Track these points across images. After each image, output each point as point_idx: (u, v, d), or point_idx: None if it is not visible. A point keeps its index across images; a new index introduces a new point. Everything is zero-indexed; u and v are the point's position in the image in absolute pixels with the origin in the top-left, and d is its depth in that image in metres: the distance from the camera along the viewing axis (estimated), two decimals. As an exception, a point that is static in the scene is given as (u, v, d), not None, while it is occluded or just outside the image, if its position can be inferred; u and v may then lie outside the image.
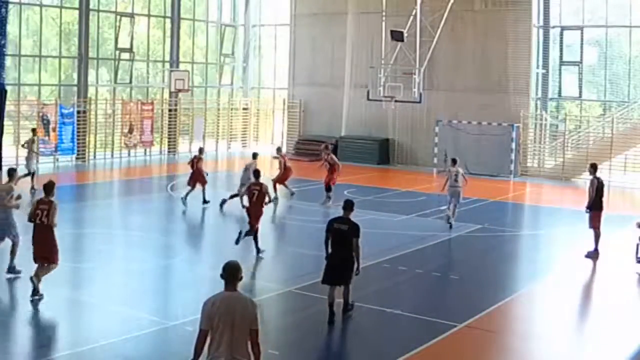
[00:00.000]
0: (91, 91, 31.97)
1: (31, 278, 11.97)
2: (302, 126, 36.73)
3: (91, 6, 31.20)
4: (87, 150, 30.81)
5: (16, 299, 12.56)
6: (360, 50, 34.08)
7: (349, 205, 11.49)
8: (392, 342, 10.95)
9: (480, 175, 29.84)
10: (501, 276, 15.39)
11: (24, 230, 12.92)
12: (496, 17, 31.41)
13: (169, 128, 34.49)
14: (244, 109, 38.28)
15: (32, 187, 21.68)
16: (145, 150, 33.24)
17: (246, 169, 20.03)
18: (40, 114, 28.87)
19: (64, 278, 13.93)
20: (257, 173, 16.56)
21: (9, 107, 27.77)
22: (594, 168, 16.83)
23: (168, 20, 34.74)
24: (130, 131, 32.04)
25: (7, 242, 13.40)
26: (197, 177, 21.13)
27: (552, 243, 18.92)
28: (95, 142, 31.63)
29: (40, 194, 12.53)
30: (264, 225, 17.74)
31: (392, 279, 14.28)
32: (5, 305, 12.30)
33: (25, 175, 21.85)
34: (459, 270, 15.24)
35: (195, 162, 21.38)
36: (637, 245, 15.32)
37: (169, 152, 34.28)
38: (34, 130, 25.10)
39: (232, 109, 37.59)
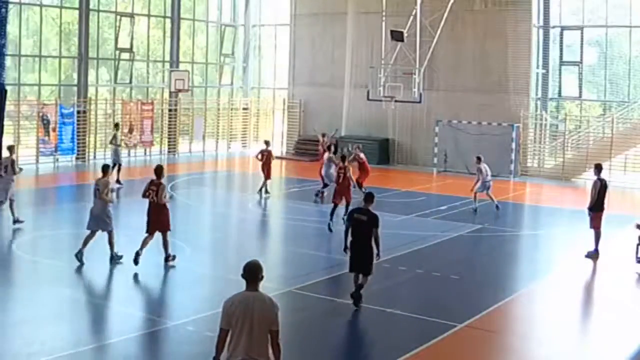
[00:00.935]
0: (91, 91, 31.97)
1: (137, 252, 13.89)
2: (302, 126, 36.73)
3: (91, 6, 31.19)
4: (87, 150, 30.80)
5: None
6: (360, 50, 34.08)
7: (369, 198, 12.24)
8: (392, 342, 10.95)
9: (480, 175, 29.84)
10: (501, 276, 15.39)
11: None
12: (496, 17, 31.41)
13: (169, 128, 34.49)
14: (244, 109, 38.27)
15: (117, 180, 23.08)
16: (145, 150, 33.24)
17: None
18: (40, 114, 28.87)
19: (64, 278, 13.95)
20: (343, 158, 19.33)
21: (9, 107, 27.74)
22: (598, 169, 16.78)
23: (168, 20, 34.74)
24: (130, 131, 32.02)
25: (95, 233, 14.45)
26: (268, 169, 22.93)
27: (552, 243, 18.92)
28: (95, 142, 31.63)
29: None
30: (264, 225, 17.78)
31: (392, 279, 14.28)
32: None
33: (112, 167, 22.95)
34: (459, 270, 15.23)
35: (267, 155, 23.08)
36: (637, 245, 15.33)
37: (169, 152, 34.27)
38: (116, 125, 26.59)
39: (232, 109, 37.58)
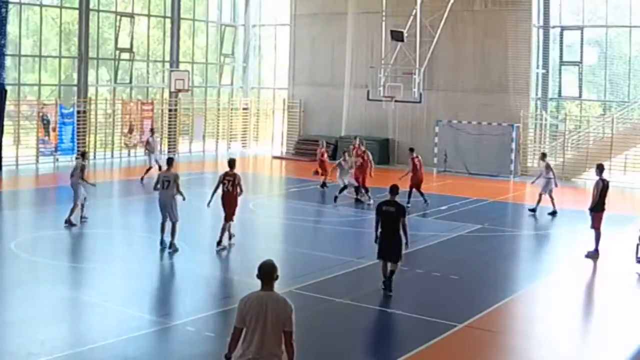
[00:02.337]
0: (91, 91, 31.97)
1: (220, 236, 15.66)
2: (302, 126, 36.73)
3: (91, 6, 31.19)
4: (87, 150, 30.73)
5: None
6: (360, 50, 34.08)
7: (394, 189, 13.08)
8: (392, 342, 10.94)
9: (480, 175, 29.87)
10: (501, 276, 15.38)
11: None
12: (496, 17, 31.41)
13: (169, 128, 34.49)
14: (244, 109, 38.27)
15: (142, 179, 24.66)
16: (145, 150, 33.20)
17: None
18: (40, 114, 28.87)
19: (64, 278, 13.96)
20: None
21: (9, 107, 27.78)
22: (600, 169, 16.67)
23: (168, 20, 34.74)
24: (130, 131, 32.03)
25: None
26: (326, 166, 24.06)
27: (552, 243, 18.92)
28: (95, 142, 31.63)
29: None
30: (264, 225, 17.77)
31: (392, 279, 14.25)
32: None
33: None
34: (459, 270, 15.22)
35: (323, 152, 24.27)
36: (637, 245, 15.32)
37: (169, 152, 34.25)
38: (152, 130, 27.81)
39: (232, 109, 37.58)
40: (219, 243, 15.73)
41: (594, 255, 16.15)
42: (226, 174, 15.87)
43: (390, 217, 12.75)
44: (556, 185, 21.75)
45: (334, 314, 12.19)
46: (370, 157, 22.89)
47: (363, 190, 22.24)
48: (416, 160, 22.27)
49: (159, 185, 15.64)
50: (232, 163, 16.08)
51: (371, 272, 14.70)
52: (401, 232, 12.67)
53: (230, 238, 16.13)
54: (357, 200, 22.36)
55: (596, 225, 16.27)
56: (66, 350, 9.96)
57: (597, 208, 16.33)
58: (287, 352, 6.73)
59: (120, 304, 12.21)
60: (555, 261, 16.94)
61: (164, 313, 12.00)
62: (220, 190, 15.81)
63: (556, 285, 14.57)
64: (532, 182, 22.71)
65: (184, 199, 15.84)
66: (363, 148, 23.03)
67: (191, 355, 10.42)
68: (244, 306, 6.76)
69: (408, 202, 20.73)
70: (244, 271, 15.33)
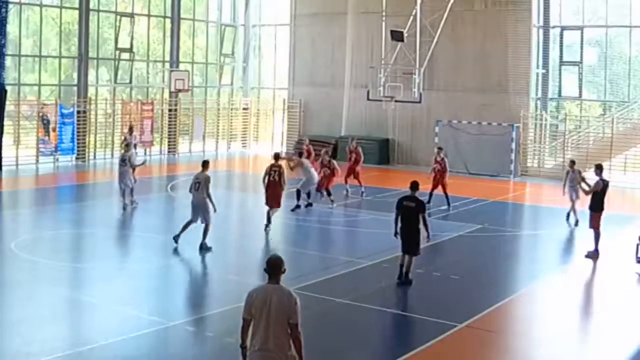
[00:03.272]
0: (91, 91, 31.96)
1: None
2: (302, 126, 36.72)
3: (91, 6, 31.18)
4: (87, 150, 30.80)
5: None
6: (360, 50, 34.08)
7: (415, 185, 13.58)
8: (392, 342, 10.95)
9: (480, 175, 29.86)
10: (501, 276, 15.38)
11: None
12: (496, 17, 31.41)
13: (169, 128, 34.49)
14: (244, 109, 38.26)
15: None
16: (145, 150, 33.21)
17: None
18: (40, 114, 28.86)
19: (64, 278, 13.95)
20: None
21: (9, 107, 27.77)
22: (600, 169, 16.73)
23: (168, 20, 34.73)
24: (130, 131, 31.99)
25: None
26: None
27: (552, 243, 18.90)
28: (95, 142, 31.63)
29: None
30: (263, 225, 17.77)
31: (392, 279, 14.26)
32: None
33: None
34: (459, 270, 15.23)
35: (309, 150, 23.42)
36: (637, 245, 15.32)
37: (169, 152, 34.27)
38: (130, 129, 26.63)
39: (232, 109, 37.58)
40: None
41: (594, 255, 16.16)
42: (272, 165, 17.68)
43: (411, 212, 13.38)
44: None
45: (334, 314, 12.18)
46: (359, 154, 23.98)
47: (325, 194, 21.43)
48: (440, 160, 22.33)
49: (191, 187, 15.85)
50: (277, 156, 18.29)
51: (371, 272, 14.72)
52: (421, 226, 13.33)
53: (268, 227, 17.62)
54: (298, 207, 20.55)
55: (595, 224, 16.27)
56: (66, 350, 9.96)
57: (596, 208, 16.34)
58: (294, 344, 6.80)
59: (120, 304, 12.21)
60: (555, 261, 16.93)
61: (164, 313, 12.00)
62: (266, 180, 17.58)
63: (556, 285, 14.57)
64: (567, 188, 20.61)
65: (215, 210, 15.61)
66: (354, 144, 24.21)
67: (191, 355, 10.42)
68: (250, 297, 6.91)
69: (429, 202, 20.93)
70: (244, 271, 15.35)
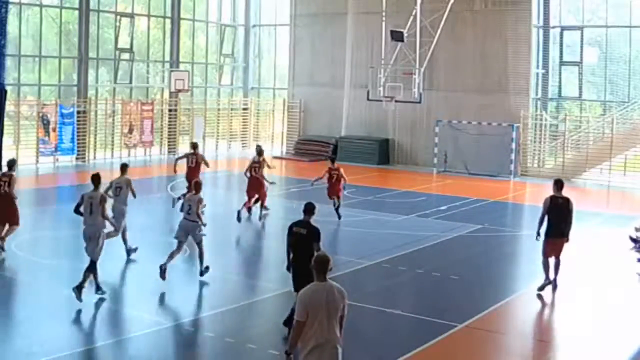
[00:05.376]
0: (91, 91, 31.97)
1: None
2: (302, 126, 36.73)
3: (91, 6, 31.18)
4: (87, 150, 30.80)
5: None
6: (360, 50, 34.08)
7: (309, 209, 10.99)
8: (392, 342, 10.94)
9: (480, 175, 29.87)
10: (501, 276, 15.39)
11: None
12: (496, 17, 31.41)
13: (169, 128, 34.49)
14: (244, 109, 38.27)
15: None
16: (145, 150, 33.23)
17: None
18: (40, 114, 28.87)
19: (64, 278, 13.94)
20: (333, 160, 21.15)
21: (9, 107, 27.77)
22: (557, 186, 13.59)
23: (168, 20, 34.73)
24: (130, 131, 32.03)
25: None
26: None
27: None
28: (95, 142, 31.63)
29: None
30: (264, 225, 17.77)
31: (392, 279, 14.28)
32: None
33: None
34: (459, 270, 15.23)
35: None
36: (638, 245, 15.29)
37: (169, 152, 34.26)
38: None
39: (232, 109, 37.59)
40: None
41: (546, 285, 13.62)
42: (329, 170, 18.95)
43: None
44: None
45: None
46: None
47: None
48: None
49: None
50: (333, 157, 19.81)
51: (371, 272, 14.73)
52: None
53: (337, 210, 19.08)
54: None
55: (547, 253, 13.61)
56: (66, 350, 9.96)
57: (548, 232, 13.51)
58: (339, 332, 7.23)
59: (120, 304, 12.21)
60: (551, 262, 16.89)
61: (164, 313, 12.00)
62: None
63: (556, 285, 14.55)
64: None
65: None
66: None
67: (191, 355, 10.42)
68: (306, 299, 7.09)
69: None
70: (244, 271, 15.36)
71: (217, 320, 11.69)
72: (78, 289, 11.80)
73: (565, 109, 33.14)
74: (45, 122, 28.91)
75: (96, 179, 12.91)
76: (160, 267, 13.21)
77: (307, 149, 35.18)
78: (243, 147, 37.62)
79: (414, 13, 30.24)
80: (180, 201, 18.80)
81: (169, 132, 34.46)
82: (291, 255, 10.86)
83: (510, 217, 23.08)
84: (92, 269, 12.19)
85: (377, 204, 22.56)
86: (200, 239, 13.91)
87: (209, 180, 21.94)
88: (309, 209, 10.92)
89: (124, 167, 15.55)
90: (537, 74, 32.13)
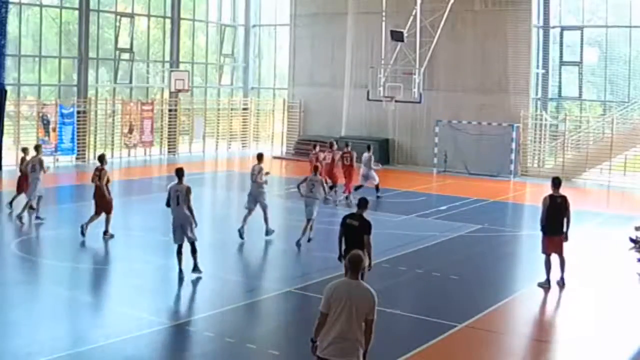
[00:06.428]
0: (91, 91, 31.97)
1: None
2: (302, 126, 36.73)
3: (91, 6, 31.19)
4: (87, 150, 30.80)
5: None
6: (360, 50, 34.09)
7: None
8: (392, 342, 10.94)
9: (480, 175, 29.87)
10: (501, 276, 15.38)
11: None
12: (496, 17, 31.41)
13: (169, 128, 34.49)
14: (244, 109, 38.28)
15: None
16: (145, 150, 33.23)
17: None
18: (40, 114, 28.87)
19: (64, 278, 13.95)
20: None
21: (9, 107, 27.77)
22: (554, 184, 13.83)
23: (168, 20, 34.74)
24: (130, 131, 32.03)
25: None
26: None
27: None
28: (95, 142, 31.63)
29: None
30: (263, 225, 17.76)
31: (392, 279, 14.27)
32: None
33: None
34: (459, 270, 15.22)
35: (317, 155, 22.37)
36: (638, 245, 15.28)
37: (169, 152, 34.28)
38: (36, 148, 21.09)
39: (232, 109, 37.59)
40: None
41: (544, 285, 13.96)
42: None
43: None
44: None
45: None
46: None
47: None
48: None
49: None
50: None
51: (371, 272, 14.66)
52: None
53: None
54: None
55: (547, 250, 13.92)
56: (66, 350, 9.96)
57: (547, 229, 13.79)
58: (366, 336, 7.20)
59: (120, 304, 12.21)
60: (555, 261, 16.89)
61: (164, 313, 12.00)
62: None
63: (556, 285, 14.54)
64: None
65: (265, 183, 17.17)
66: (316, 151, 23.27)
67: (191, 355, 10.42)
68: (329, 292, 7.19)
69: None
70: (244, 271, 15.36)
71: (216, 320, 11.68)
72: (196, 270, 13.57)
73: (565, 109, 33.14)
74: (45, 122, 28.92)
75: (180, 172, 13.85)
76: (239, 230, 16.42)
77: (307, 149, 35.09)
78: (243, 147, 37.62)
79: (414, 13, 30.25)
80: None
81: (169, 132, 34.47)
82: (343, 247, 11.60)
83: (510, 217, 23.08)
84: (194, 250, 13.58)
85: (377, 204, 22.54)
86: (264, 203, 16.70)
87: (209, 180, 21.95)
88: (363, 204, 11.88)
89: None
90: (537, 74, 32.14)
